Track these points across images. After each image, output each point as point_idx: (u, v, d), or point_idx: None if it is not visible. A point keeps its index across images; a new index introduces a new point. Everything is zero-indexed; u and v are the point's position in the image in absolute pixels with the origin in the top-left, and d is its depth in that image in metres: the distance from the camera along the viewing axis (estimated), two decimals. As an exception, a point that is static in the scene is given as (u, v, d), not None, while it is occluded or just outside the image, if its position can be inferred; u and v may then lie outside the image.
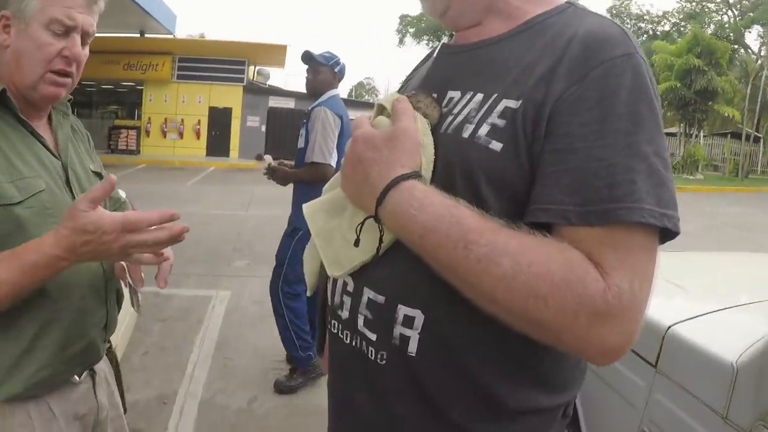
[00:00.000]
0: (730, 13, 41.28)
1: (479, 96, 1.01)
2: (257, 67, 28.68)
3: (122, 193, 1.96)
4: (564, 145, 0.90)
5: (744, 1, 39.28)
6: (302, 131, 4.14)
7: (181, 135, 24.88)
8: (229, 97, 25.04)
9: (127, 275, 1.50)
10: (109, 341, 1.69)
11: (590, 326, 0.83)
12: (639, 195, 0.85)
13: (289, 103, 26.08)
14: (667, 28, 44.90)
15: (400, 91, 1.29)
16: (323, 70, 4.16)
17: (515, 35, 1.05)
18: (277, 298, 4.15)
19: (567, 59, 0.94)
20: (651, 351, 2.09)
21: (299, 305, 4.14)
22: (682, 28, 41.42)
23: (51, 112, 1.58)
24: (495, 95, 0.99)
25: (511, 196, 0.94)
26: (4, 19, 1.42)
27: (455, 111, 1.04)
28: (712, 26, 39.41)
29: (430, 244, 0.92)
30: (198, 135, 24.96)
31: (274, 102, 26.01)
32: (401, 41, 51.87)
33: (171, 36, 22.09)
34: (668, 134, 34.02)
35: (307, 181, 3.99)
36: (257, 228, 9.61)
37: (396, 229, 0.97)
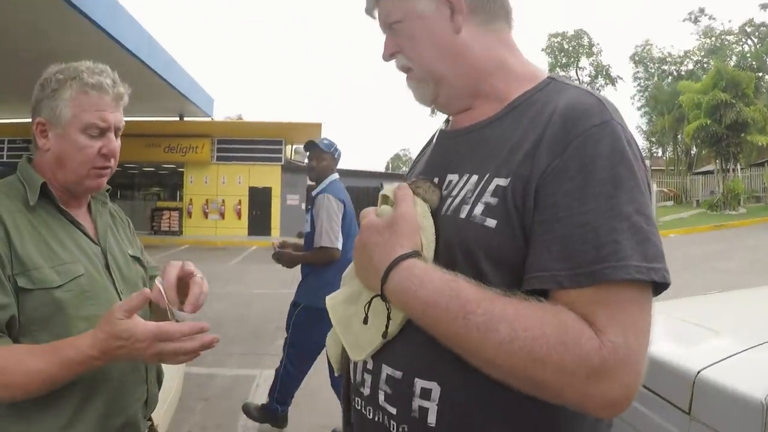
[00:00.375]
0: (750, 42, 41.08)
1: (474, 177, 1.09)
2: (294, 146, 29.11)
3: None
4: (550, 215, 0.96)
5: (762, 28, 39.07)
6: (307, 216, 4.43)
7: (222, 215, 25.24)
8: (269, 176, 25.35)
9: (164, 296, 1.49)
10: (151, 419, 1.74)
11: (589, 383, 0.87)
12: (624, 253, 0.90)
13: (327, 180, 26.36)
14: (690, 66, 44.64)
15: (408, 175, 1.39)
16: (326, 156, 4.51)
17: (503, 116, 1.13)
18: (283, 357, 4.45)
19: (549, 134, 1.01)
20: (683, 398, 2.07)
21: (296, 370, 4.43)
22: (705, 65, 41.19)
23: (90, 201, 1.69)
24: (487, 175, 1.06)
25: (510, 268, 1.01)
26: (40, 125, 1.55)
27: (454, 193, 1.12)
28: (734, 58, 39.14)
29: (432, 318, 0.98)
30: (239, 215, 25.27)
31: (312, 179, 26.26)
32: (433, 111, 52.55)
33: (209, 119, 22.83)
34: (705, 173, 33.47)
35: (317, 264, 4.29)
36: None
37: (401, 306, 1.04)
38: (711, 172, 32.37)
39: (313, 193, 4.50)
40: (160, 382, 1.76)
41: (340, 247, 4.22)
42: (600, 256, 0.90)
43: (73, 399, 1.43)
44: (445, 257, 1.06)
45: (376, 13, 1.26)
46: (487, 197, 1.03)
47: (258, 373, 6.05)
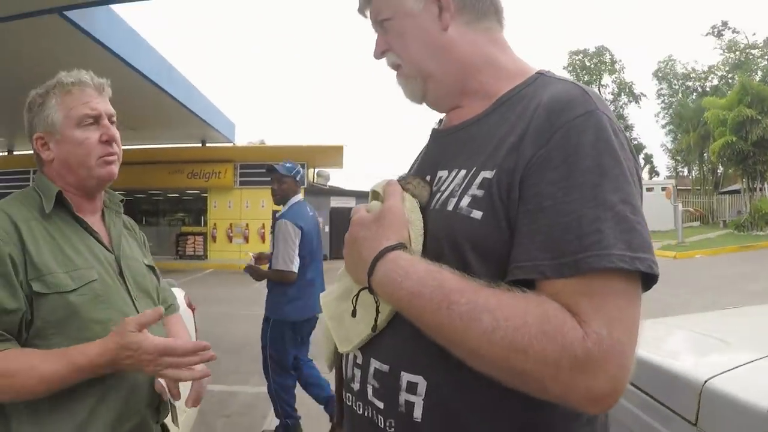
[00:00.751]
0: (775, 56, 40.62)
1: (462, 172, 1.11)
2: (317, 169, 29.17)
3: (179, 294, 2.14)
4: (534, 204, 0.96)
5: (787, 41, 38.65)
6: (271, 237, 4.75)
7: (246, 239, 25.21)
8: (292, 200, 25.32)
9: (166, 390, 1.62)
10: (164, 424, 1.79)
11: (573, 374, 0.86)
12: (607, 242, 0.89)
13: (350, 203, 26.17)
14: (715, 82, 44.15)
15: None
16: (287, 180, 4.83)
17: (491, 113, 1.15)
18: (266, 373, 4.67)
19: (533, 126, 1.02)
20: (689, 408, 2.05)
21: (283, 380, 4.64)
22: (730, 80, 40.62)
23: (104, 210, 1.76)
24: (474, 169, 1.08)
25: (495, 260, 1.01)
26: (39, 140, 1.64)
27: (443, 188, 1.14)
28: (759, 72, 38.52)
29: (416, 309, 0.99)
30: (263, 238, 25.08)
31: (336, 202, 26.23)
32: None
33: (231, 144, 23.04)
34: (732, 192, 32.85)
35: (275, 282, 4.68)
36: (322, 326, 9.39)
37: (387, 298, 1.05)
38: (738, 192, 31.85)
39: (276, 216, 4.81)
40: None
41: (295, 269, 4.58)
42: (583, 245, 0.90)
43: (88, 401, 1.49)
44: (432, 250, 1.07)
45: (368, 12, 1.28)
46: (474, 190, 1.05)
47: (279, 391, 6.04)
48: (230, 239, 25.23)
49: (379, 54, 1.27)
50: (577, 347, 0.86)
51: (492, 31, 1.23)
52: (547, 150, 0.98)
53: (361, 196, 26.23)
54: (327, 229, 25.55)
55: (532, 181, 0.98)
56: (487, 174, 1.04)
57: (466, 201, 1.05)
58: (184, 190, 26.54)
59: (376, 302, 1.08)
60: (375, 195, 1.24)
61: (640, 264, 0.89)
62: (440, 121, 1.37)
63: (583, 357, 0.85)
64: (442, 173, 1.17)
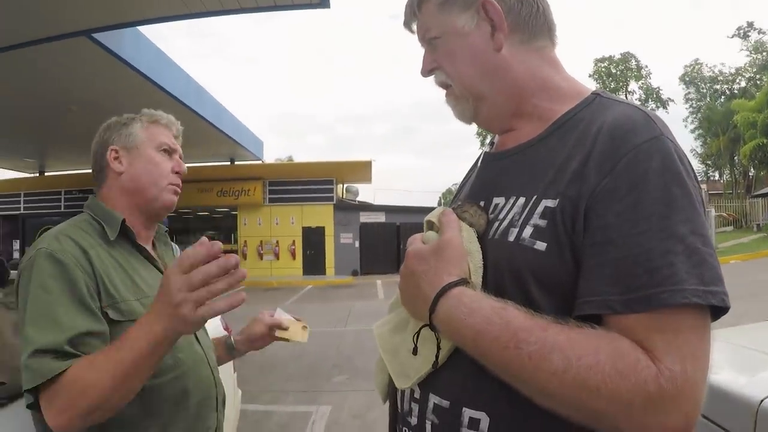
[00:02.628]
0: (803, 55, 40.07)
1: (521, 200, 1.06)
2: (345, 185, 29.24)
3: (216, 317, 2.05)
4: (602, 237, 0.92)
5: (814, 40, 38.17)
6: None
7: (277, 256, 25.43)
8: (321, 216, 25.49)
9: None
10: None
11: (646, 412, 0.83)
12: (679, 277, 0.86)
13: (380, 218, 26.42)
14: (743, 84, 43.56)
15: (453, 199, 1.36)
16: None
17: (548, 136, 1.10)
18: None
19: (596, 153, 0.97)
20: (745, 429, 2.00)
21: None
22: (758, 82, 39.99)
23: (155, 241, 1.80)
24: (535, 197, 1.03)
25: (560, 293, 0.97)
26: (113, 152, 1.69)
27: (501, 216, 1.08)
28: (788, 72, 38.14)
29: (482, 347, 0.95)
30: (293, 255, 25.41)
31: (365, 217, 26.32)
32: (482, 143, 52.53)
33: (260, 161, 23.29)
34: (765, 195, 32.41)
35: None
36: (356, 342, 9.60)
37: (450, 335, 1.01)
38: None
39: None
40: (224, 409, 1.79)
41: None
42: (654, 280, 0.86)
43: (155, 427, 1.46)
44: (493, 282, 1.03)
45: (414, 27, 1.23)
46: (536, 219, 1.00)
47: (314, 410, 6.06)
48: (261, 256, 25.44)
49: (426, 72, 1.22)
50: (650, 385, 0.83)
51: (545, 49, 1.18)
52: (613, 178, 0.94)
53: (390, 210, 26.29)
54: (357, 244, 25.62)
55: (598, 212, 0.93)
56: (550, 203, 1.00)
57: (528, 231, 1.00)
58: (214, 208, 26.86)
59: (437, 338, 1.04)
60: (430, 225, 1.18)
61: (713, 298, 0.86)
62: (491, 143, 1.33)
63: (657, 395, 0.83)
64: (498, 200, 1.12)
